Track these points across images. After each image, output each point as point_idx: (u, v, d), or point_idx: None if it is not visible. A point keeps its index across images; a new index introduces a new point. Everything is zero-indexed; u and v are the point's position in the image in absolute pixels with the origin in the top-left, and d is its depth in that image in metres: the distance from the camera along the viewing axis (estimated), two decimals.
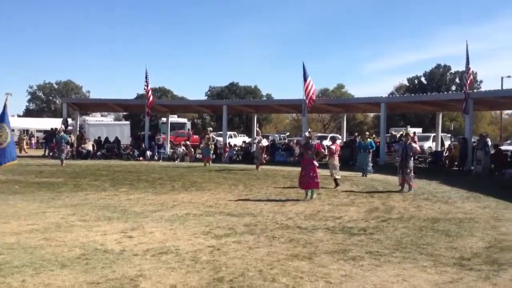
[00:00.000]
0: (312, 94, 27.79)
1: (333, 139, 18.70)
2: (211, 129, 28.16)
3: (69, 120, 34.90)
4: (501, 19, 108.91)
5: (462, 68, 29.11)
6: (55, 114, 75.75)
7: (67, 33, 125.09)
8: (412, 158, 15.52)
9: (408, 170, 15.08)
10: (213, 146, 26.81)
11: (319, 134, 46.58)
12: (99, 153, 30.39)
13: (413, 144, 15.82)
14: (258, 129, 26.58)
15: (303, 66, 26.91)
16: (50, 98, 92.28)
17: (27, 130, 49.60)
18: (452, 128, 52.39)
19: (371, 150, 20.31)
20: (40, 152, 34.69)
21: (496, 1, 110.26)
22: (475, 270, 6.76)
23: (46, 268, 6.62)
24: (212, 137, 26.87)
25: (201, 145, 28.66)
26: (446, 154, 27.80)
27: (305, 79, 27.13)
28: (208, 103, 46.17)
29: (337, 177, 16.39)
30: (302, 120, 30.68)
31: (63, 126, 27.64)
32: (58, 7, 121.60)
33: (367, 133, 22.87)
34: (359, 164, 20.40)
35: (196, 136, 45.24)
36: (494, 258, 7.41)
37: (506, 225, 10.08)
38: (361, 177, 19.53)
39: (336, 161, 16.73)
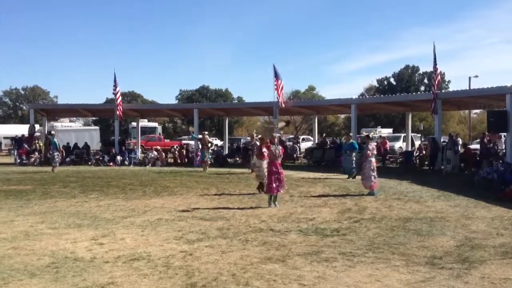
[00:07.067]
0: (283, 99, 28.00)
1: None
2: (206, 132, 27.60)
3: (37, 126, 34.21)
4: (460, 21, 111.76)
5: (430, 68, 29.49)
6: (22, 120, 74.40)
7: (33, 37, 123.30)
8: (370, 160, 14.73)
9: (362, 172, 14.65)
10: (209, 151, 25.01)
11: (291, 136, 46.82)
12: (68, 159, 29.89)
13: (369, 146, 15.02)
14: (252, 134, 26.98)
15: (274, 68, 26.87)
16: (17, 104, 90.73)
17: None
18: (422, 128, 53.07)
19: (354, 152, 20.06)
20: (8, 159, 33.90)
21: (455, 4, 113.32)
22: (447, 269, 6.83)
23: (14, 278, 6.47)
24: (207, 139, 25.27)
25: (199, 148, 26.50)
26: (417, 154, 28.19)
27: (277, 80, 27.08)
28: (179, 106, 45.71)
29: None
30: (274, 122, 30.64)
31: (52, 131, 27.05)
32: (22, 10, 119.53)
33: (351, 134, 22.72)
34: (345, 166, 20.16)
35: (167, 140, 45.03)
36: (465, 257, 7.50)
37: (476, 223, 10.24)
38: (338, 179, 19.46)
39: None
